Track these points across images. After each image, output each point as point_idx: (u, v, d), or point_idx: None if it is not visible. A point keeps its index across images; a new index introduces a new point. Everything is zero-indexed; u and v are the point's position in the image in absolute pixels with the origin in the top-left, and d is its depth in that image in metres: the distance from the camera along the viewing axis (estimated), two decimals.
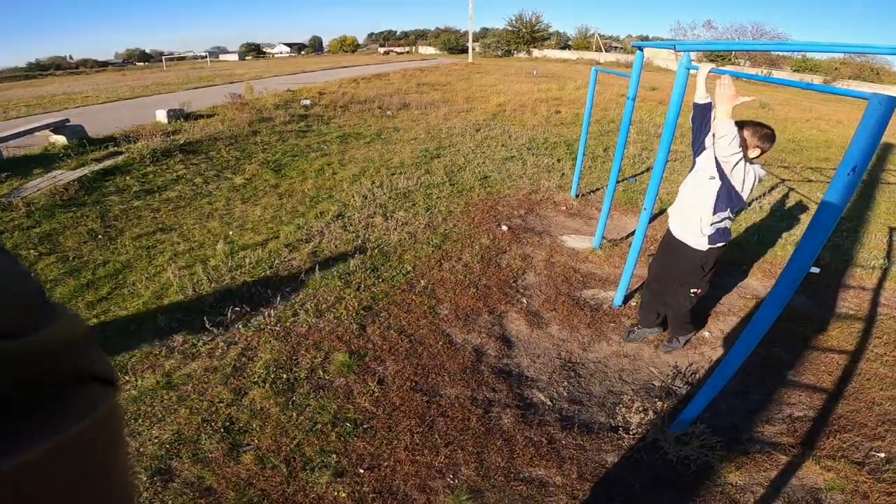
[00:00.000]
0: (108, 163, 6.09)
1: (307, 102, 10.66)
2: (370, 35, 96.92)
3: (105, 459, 0.34)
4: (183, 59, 55.96)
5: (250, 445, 2.19)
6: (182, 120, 8.97)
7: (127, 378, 2.60)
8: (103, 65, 61.94)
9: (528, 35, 46.79)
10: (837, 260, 4.27)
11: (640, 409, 2.44)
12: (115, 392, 0.36)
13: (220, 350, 2.82)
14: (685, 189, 2.57)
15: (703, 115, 2.57)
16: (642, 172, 6.44)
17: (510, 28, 48.37)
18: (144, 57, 73.38)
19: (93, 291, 3.47)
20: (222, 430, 2.27)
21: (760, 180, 2.38)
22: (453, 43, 51.73)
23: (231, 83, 16.40)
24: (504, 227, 4.49)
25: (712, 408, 2.54)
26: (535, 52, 44.83)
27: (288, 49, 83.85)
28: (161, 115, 9.00)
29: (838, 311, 3.50)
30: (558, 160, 6.81)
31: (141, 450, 2.17)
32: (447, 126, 8.94)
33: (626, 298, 3.44)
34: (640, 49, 3.43)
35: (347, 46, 73.10)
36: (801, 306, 3.50)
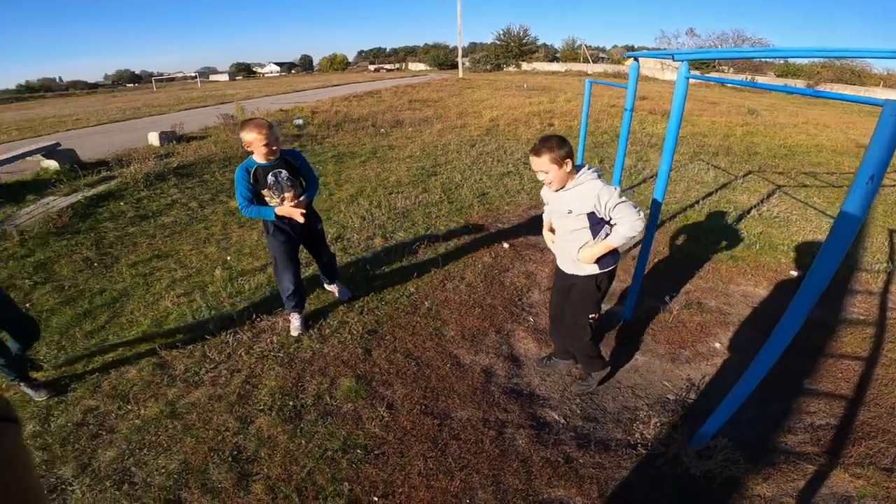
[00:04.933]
0: (101, 188, 6.01)
1: (300, 122, 10.66)
2: (360, 52, 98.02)
3: (14, 487, 0.41)
4: (173, 80, 56.13)
5: (260, 474, 2.14)
6: (175, 142, 8.92)
7: (129, 407, 2.56)
8: (93, 87, 62.06)
9: (517, 49, 47.45)
10: (841, 265, 4.25)
11: (658, 424, 2.40)
12: (16, 427, 0.44)
13: (223, 378, 2.77)
14: (559, 230, 2.42)
15: None
16: (640, 183, 6.47)
17: (498, 42, 49.03)
18: (134, 78, 73.59)
19: (90, 321, 3.39)
20: (230, 459, 2.23)
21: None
22: (443, 58, 52.36)
23: (222, 104, 16.42)
24: (505, 245, 4.46)
25: (731, 420, 2.50)
26: (525, 66, 45.39)
27: (278, 68, 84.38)
28: (153, 138, 8.94)
29: (848, 317, 3.48)
30: None
31: (148, 480, 2.14)
32: (442, 143, 8.96)
33: (635, 310, 3.40)
34: (636, 59, 3.44)
35: (337, 64, 73.77)
36: (811, 314, 3.46)
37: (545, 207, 2.52)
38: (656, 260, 4.24)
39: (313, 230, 3.04)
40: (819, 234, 4.81)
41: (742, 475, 2.11)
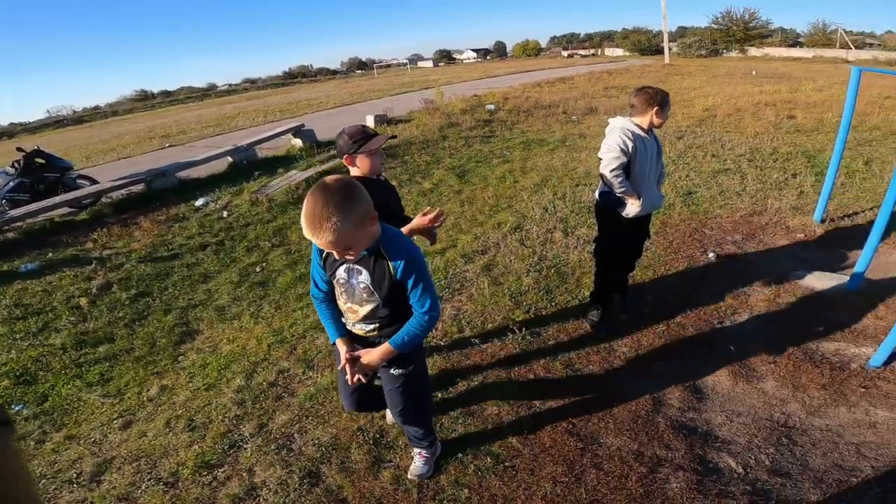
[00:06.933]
0: (328, 165, 7.21)
1: (492, 107, 10.92)
2: (552, 38, 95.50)
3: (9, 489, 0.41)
4: (389, 66, 64.04)
5: (392, 463, 2.16)
6: (385, 125, 10.12)
7: (310, 374, 2.80)
8: (333, 73, 75.18)
9: (741, 33, 40.42)
10: None
11: (878, 494, 1.83)
12: (10, 431, 0.45)
13: None
14: (650, 174, 2.75)
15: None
16: None
17: (716, 26, 42.48)
18: (361, 65, 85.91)
19: (303, 284, 3.98)
20: (371, 441, 2.28)
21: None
22: (645, 44, 47.27)
23: (426, 88, 17.93)
24: (711, 255, 3.78)
25: None
26: (753, 51, 37.98)
27: (474, 54, 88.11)
28: (370, 121, 10.29)
29: None
30: (794, 175, 5.48)
31: (302, 449, 2.28)
32: None
33: (892, 358, 2.52)
34: None
35: (530, 50, 73.45)
36: None
37: (624, 156, 2.58)
38: None
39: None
40: None
41: None
